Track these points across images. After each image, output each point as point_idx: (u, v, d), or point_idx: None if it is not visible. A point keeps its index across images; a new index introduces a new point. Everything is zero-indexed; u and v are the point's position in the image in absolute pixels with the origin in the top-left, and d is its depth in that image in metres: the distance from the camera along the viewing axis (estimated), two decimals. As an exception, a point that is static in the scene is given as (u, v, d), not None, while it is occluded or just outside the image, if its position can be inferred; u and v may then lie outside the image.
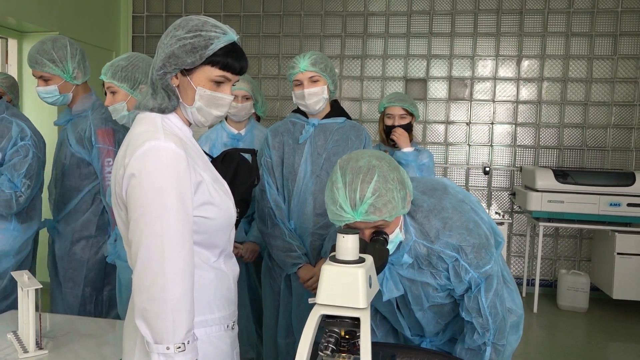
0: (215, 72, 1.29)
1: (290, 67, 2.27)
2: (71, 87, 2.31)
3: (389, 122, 2.85)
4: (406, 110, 2.82)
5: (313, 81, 2.20)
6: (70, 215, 2.39)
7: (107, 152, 2.26)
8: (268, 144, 2.35)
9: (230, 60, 1.29)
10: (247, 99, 2.69)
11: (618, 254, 4.36)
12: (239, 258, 2.70)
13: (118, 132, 2.31)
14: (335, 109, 2.33)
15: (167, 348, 1.16)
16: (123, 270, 2.16)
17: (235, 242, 2.63)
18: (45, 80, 2.27)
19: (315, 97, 2.21)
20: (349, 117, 2.37)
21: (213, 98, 1.31)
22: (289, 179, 2.27)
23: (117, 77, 2.06)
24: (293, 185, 2.26)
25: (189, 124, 1.37)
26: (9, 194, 2.19)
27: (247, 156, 2.17)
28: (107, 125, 2.29)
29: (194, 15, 1.34)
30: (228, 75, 1.31)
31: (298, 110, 2.36)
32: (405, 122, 2.83)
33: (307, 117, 2.32)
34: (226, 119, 2.79)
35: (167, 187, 1.17)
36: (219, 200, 1.30)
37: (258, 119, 3.03)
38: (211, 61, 1.28)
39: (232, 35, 1.30)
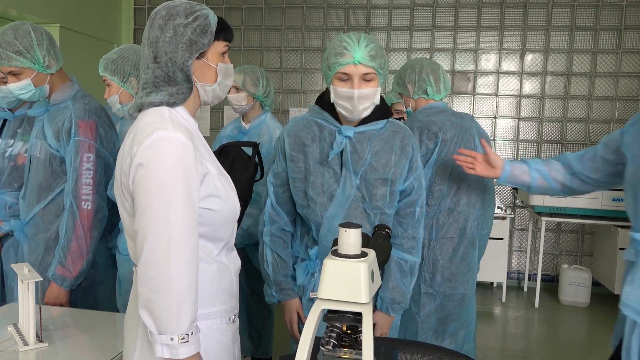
0: (222, 45, 1.34)
1: (336, 52, 1.71)
2: (46, 78, 2.06)
3: (396, 116, 2.88)
4: None
5: (366, 80, 1.70)
6: (39, 218, 2.14)
7: (87, 147, 2.04)
8: (284, 153, 1.84)
9: (226, 28, 1.35)
10: (237, 89, 2.70)
11: (620, 249, 4.35)
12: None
13: (101, 127, 2.10)
14: (376, 108, 1.79)
15: (171, 339, 1.16)
16: (122, 264, 2.15)
17: None
18: (15, 75, 2.01)
19: (367, 101, 1.72)
20: (390, 114, 1.89)
21: (227, 70, 1.37)
22: (317, 202, 1.79)
23: (108, 70, 2.06)
24: (323, 211, 1.79)
25: (194, 114, 1.36)
26: None
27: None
28: (90, 117, 2.06)
29: (169, 2, 1.33)
30: (229, 44, 1.37)
31: (321, 104, 1.85)
32: None
33: (337, 119, 1.82)
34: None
35: (175, 177, 1.17)
36: (224, 193, 1.30)
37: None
38: (217, 36, 1.32)
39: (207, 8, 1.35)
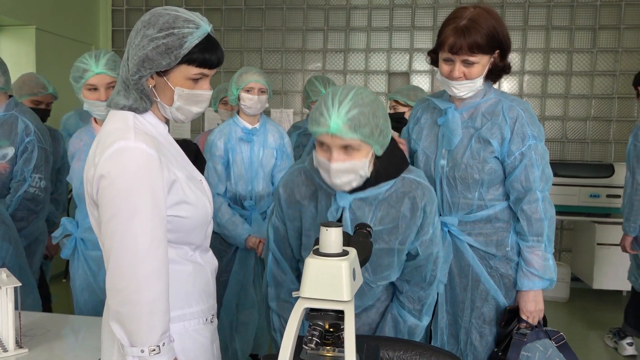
0: (192, 70, 1.25)
1: (314, 115, 1.39)
2: None
3: (390, 111, 3.14)
4: (397, 102, 3.06)
5: (349, 150, 1.38)
6: None
7: None
8: (281, 208, 1.59)
9: (207, 55, 1.24)
10: (262, 92, 2.69)
11: (598, 244, 4.42)
12: (256, 257, 2.75)
13: None
14: (383, 166, 1.48)
15: (142, 351, 1.15)
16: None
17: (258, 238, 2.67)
18: None
19: (348, 174, 1.40)
20: (406, 164, 1.56)
21: (192, 96, 1.27)
22: None
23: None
24: None
25: (166, 120, 1.34)
26: (30, 193, 2.41)
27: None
28: None
29: (162, 8, 1.26)
30: (205, 71, 1.27)
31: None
32: (398, 111, 3.11)
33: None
34: (238, 112, 2.77)
35: (138, 188, 1.15)
36: (193, 199, 1.28)
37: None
38: (187, 60, 1.23)
39: (205, 27, 1.24)
